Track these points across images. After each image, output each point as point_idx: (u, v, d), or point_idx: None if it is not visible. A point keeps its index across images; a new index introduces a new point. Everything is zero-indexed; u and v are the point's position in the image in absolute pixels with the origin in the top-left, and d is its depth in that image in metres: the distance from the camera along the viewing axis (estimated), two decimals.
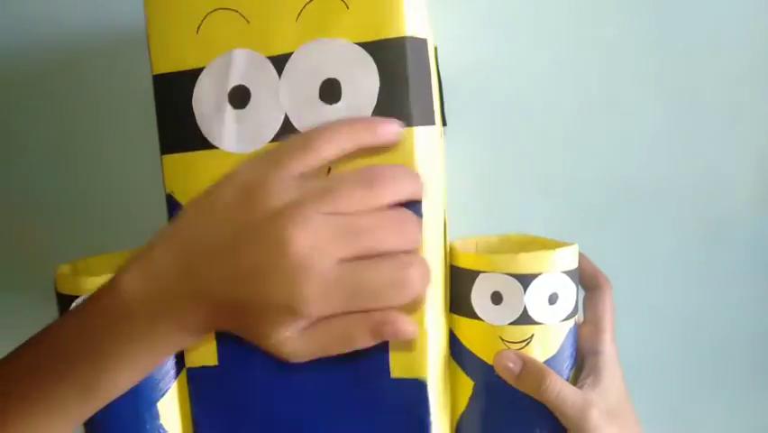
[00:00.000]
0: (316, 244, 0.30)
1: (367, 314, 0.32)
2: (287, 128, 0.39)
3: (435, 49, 0.44)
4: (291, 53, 0.39)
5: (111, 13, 0.58)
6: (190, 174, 0.42)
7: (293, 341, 0.32)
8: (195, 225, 0.33)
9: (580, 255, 0.44)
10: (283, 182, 0.31)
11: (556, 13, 0.52)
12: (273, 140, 0.40)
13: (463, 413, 0.44)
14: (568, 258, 0.42)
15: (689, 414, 0.55)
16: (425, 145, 0.39)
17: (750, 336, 0.53)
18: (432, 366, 0.40)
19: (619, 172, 0.53)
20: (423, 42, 0.40)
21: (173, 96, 0.42)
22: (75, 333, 0.35)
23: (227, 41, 0.40)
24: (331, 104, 0.39)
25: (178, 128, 0.42)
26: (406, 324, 0.32)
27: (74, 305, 0.42)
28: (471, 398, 0.44)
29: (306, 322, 0.31)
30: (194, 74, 0.41)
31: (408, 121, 0.38)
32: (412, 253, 0.32)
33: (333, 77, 0.38)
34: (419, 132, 0.39)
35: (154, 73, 0.42)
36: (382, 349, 0.40)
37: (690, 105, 0.51)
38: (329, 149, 0.32)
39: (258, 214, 0.31)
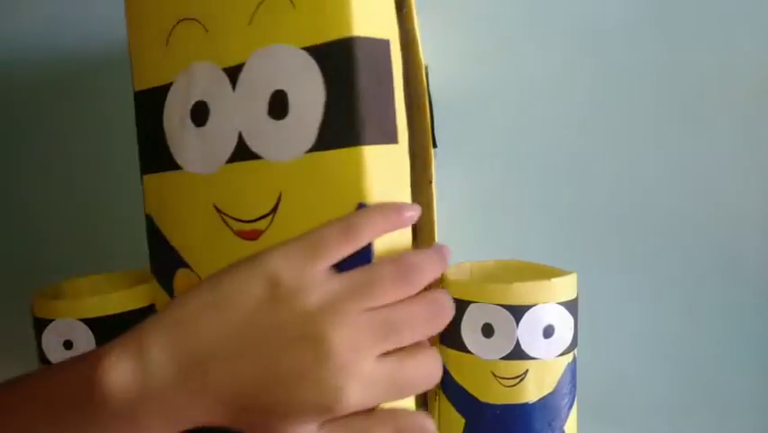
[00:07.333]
0: (358, 344, 0.29)
1: (392, 416, 0.31)
2: (241, 147, 0.35)
3: (426, 68, 0.41)
4: (244, 63, 0.35)
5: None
6: (163, 195, 0.40)
7: None
8: (207, 320, 0.30)
9: None
10: (319, 278, 0.30)
11: (559, 35, 0.50)
12: (229, 161, 0.36)
13: None
14: (565, 288, 0.39)
15: None
16: (383, 167, 0.33)
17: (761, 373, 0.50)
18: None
19: (625, 200, 0.50)
20: (382, 44, 0.33)
21: (148, 114, 0.40)
22: (37, 408, 0.32)
23: (190, 53, 0.37)
24: (279, 119, 0.34)
25: (153, 147, 0.40)
26: (430, 425, 0.32)
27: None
28: None
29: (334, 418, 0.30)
30: (165, 90, 0.38)
31: (356, 139, 0.32)
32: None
33: (280, 88, 0.34)
34: (371, 152, 0.32)
35: (135, 90, 0.41)
36: None
37: (700, 133, 0.49)
38: (366, 236, 0.31)
39: (291, 313, 0.30)
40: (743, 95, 0.47)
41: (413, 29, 0.40)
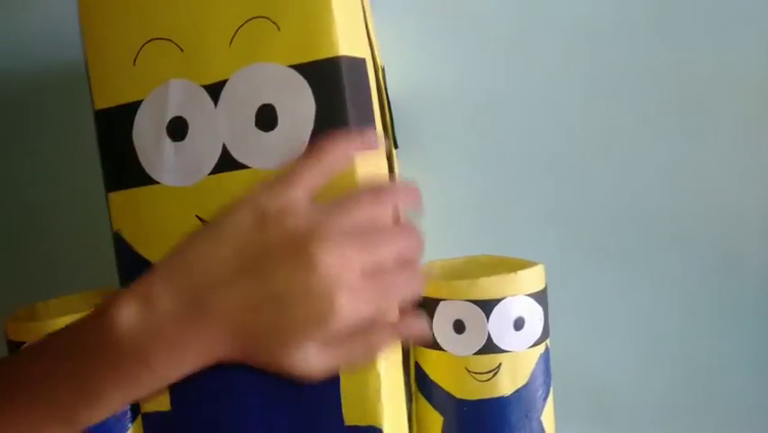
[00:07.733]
0: (343, 259, 0.31)
1: (385, 321, 0.34)
2: (225, 158, 0.38)
3: (383, 69, 0.42)
4: (226, 80, 0.37)
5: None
6: (136, 211, 0.40)
7: (315, 357, 0.32)
8: (204, 253, 0.33)
9: None
10: (302, 204, 0.32)
11: (553, 36, 0.49)
12: (213, 172, 0.38)
13: None
14: (532, 280, 0.40)
15: None
16: (368, 169, 0.37)
17: (760, 373, 0.50)
18: (387, 412, 0.38)
19: (623, 199, 0.50)
20: (360, 62, 0.38)
21: (114, 132, 0.40)
22: (57, 359, 0.34)
23: (163, 71, 0.39)
24: (267, 131, 0.37)
25: (121, 164, 0.40)
26: (422, 322, 0.35)
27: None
28: None
29: (330, 336, 0.32)
30: (133, 107, 0.39)
31: None
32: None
33: (268, 102, 0.37)
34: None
35: (95, 108, 0.41)
36: (335, 395, 0.38)
37: (699, 133, 0.48)
38: (338, 161, 0.34)
39: (278, 236, 0.31)
40: (743, 95, 0.48)
41: (370, 39, 0.40)
